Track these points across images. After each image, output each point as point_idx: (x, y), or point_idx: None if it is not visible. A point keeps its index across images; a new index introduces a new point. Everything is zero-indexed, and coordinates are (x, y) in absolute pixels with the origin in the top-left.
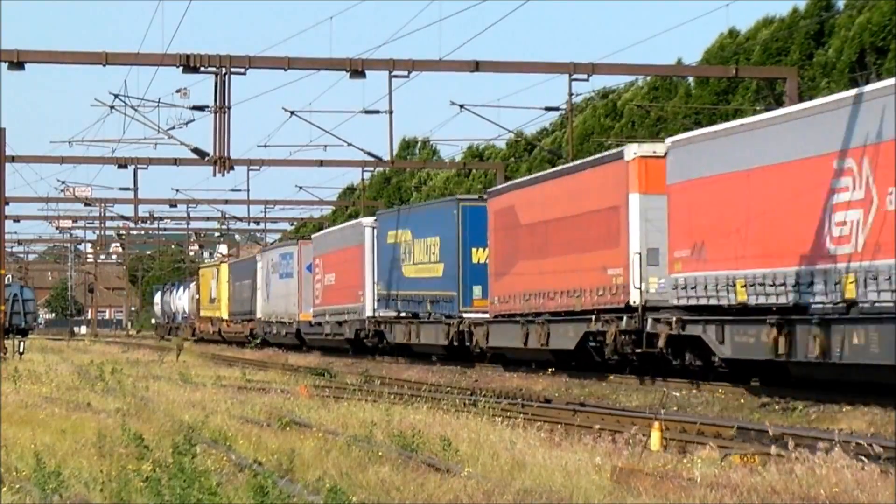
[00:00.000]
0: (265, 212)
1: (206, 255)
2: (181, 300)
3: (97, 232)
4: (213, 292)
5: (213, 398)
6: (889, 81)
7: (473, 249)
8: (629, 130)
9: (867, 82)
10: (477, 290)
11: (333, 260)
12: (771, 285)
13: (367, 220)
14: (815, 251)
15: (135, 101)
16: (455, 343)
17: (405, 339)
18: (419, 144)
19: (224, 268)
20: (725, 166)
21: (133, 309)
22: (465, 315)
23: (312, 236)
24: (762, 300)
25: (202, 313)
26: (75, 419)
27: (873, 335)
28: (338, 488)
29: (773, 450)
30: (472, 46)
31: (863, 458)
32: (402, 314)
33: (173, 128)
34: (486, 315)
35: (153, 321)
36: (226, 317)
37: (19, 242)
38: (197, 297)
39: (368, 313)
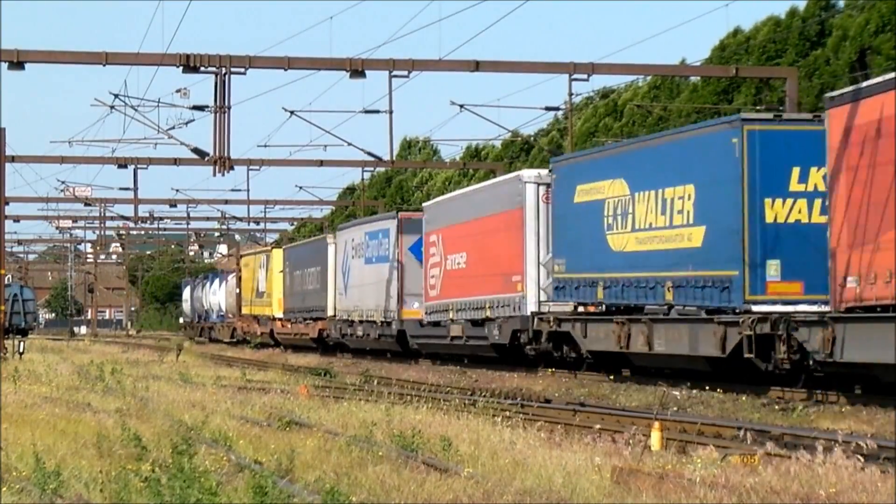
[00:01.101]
0: (265, 212)
1: (205, 254)
2: (216, 296)
3: (97, 232)
4: (260, 285)
5: (213, 398)
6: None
7: (768, 201)
8: (629, 130)
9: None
10: (772, 266)
11: (463, 234)
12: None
13: (529, 174)
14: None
15: (135, 101)
16: (735, 354)
17: (618, 346)
18: (420, 144)
19: (277, 254)
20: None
21: (133, 309)
22: (754, 307)
23: (424, 206)
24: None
25: (245, 310)
26: (75, 419)
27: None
28: (337, 489)
29: (773, 450)
30: (472, 46)
31: (862, 457)
32: (602, 307)
33: (173, 128)
34: (807, 307)
35: (181, 320)
36: (279, 314)
37: (19, 242)
38: (237, 291)
39: (531, 307)
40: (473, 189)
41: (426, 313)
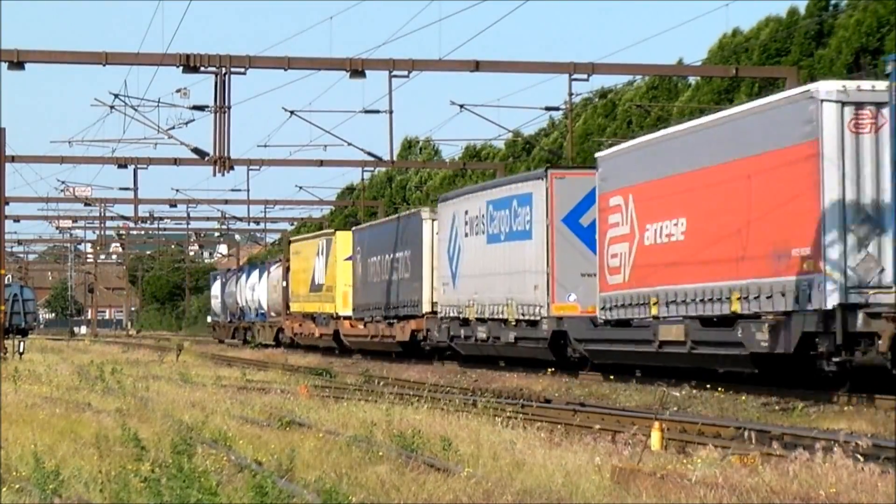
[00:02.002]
0: (265, 212)
1: (206, 254)
2: (255, 291)
3: (97, 232)
4: (317, 275)
5: (213, 398)
6: None
7: None
8: (625, 130)
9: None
10: None
11: (678, 191)
12: None
13: (827, 87)
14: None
15: (135, 101)
16: None
17: None
18: (420, 144)
19: (344, 238)
20: None
21: (133, 309)
22: None
23: (599, 156)
24: None
25: (295, 307)
26: (75, 419)
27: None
28: (337, 489)
29: (773, 450)
30: (472, 46)
31: (862, 457)
32: None
33: (173, 128)
34: None
35: (208, 319)
36: (345, 312)
37: (19, 242)
38: (284, 284)
39: (834, 297)
40: (699, 123)
41: (605, 308)
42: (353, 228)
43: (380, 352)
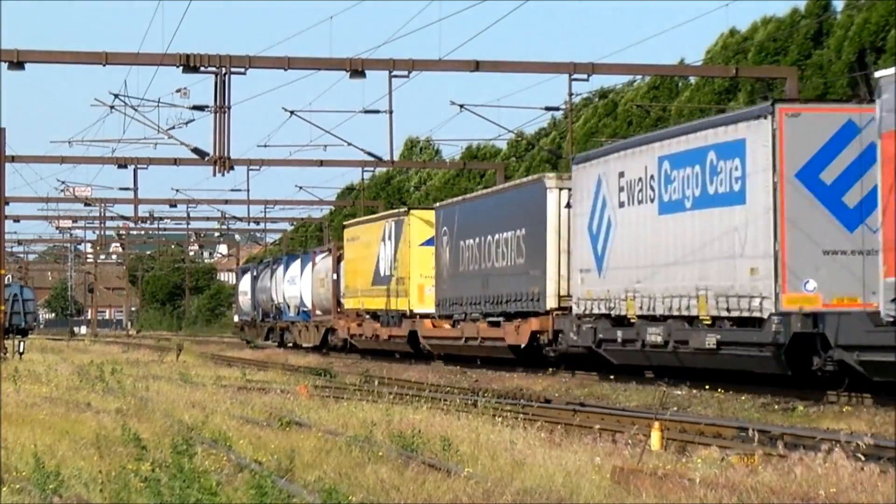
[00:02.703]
0: (265, 212)
1: (205, 254)
2: (296, 285)
3: (97, 232)
4: (383, 265)
5: (213, 398)
6: None
7: None
8: (625, 130)
9: (866, 82)
10: None
11: None
12: None
13: None
14: None
15: (135, 101)
16: None
17: None
18: (421, 144)
19: (422, 219)
20: None
21: (133, 309)
22: None
23: (879, 76)
24: None
25: (350, 304)
26: (75, 419)
27: None
28: (337, 489)
29: (773, 450)
30: (472, 46)
31: (862, 457)
32: None
33: (173, 128)
34: None
35: (235, 318)
36: (424, 309)
37: (19, 242)
38: (334, 277)
39: None
40: None
41: None
42: (438, 205)
43: (482, 359)
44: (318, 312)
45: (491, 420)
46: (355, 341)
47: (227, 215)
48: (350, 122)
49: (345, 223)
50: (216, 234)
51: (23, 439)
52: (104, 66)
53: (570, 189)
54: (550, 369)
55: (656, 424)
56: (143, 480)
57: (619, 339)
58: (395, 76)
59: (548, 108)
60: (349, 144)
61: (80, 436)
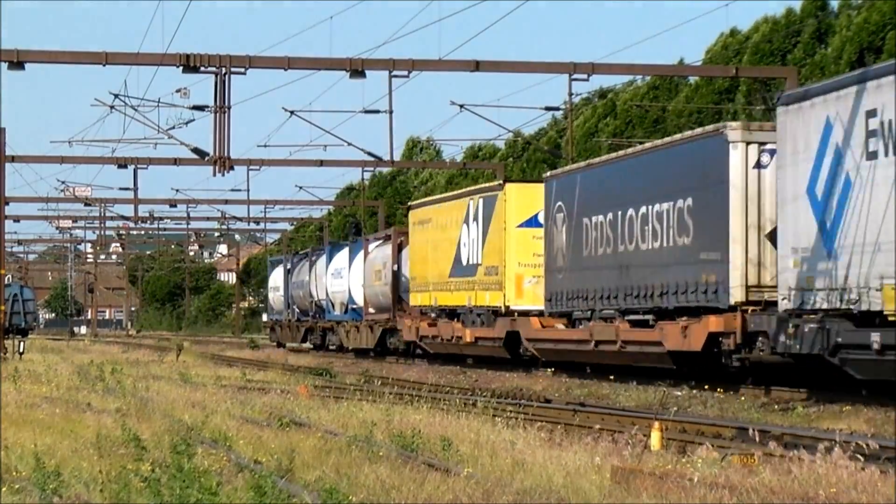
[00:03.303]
0: (265, 212)
1: (205, 254)
2: (342, 279)
3: (97, 232)
4: (466, 252)
5: (213, 398)
6: None
7: None
8: (626, 130)
9: None
10: None
11: None
12: None
13: None
14: None
15: (135, 101)
16: None
17: None
18: (422, 144)
19: (521, 193)
20: None
21: (133, 309)
22: None
23: None
24: None
25: (418, 300)
26: (75, 419)
27: None
28: (337, 489)
29: (773, 450)
30: (472, 46)
31: (862, 457)
32: None
33: (173, 128)
34: None
35: (264, 318)
36: (530, 305)
37: (19, 242)
38: (395, 268)
39: None
40: None
41: None
42: (549, 174)
43: (625, 369)
44: (371, 310)
45: (491, 420)
46: (426, 344)
47: (227, 215)
48: (350, 122)
49: (410, 203)
50: (216, 234)
51: (23, 439)
52: (104, 66)
53: (761, 143)
54: (550, 370)
55: (656, 424)
56: (143, 480)
57: (876, 345)
58: (395, 76)
59: (548, 108)
60: (349, 144)
61: (80, 436)
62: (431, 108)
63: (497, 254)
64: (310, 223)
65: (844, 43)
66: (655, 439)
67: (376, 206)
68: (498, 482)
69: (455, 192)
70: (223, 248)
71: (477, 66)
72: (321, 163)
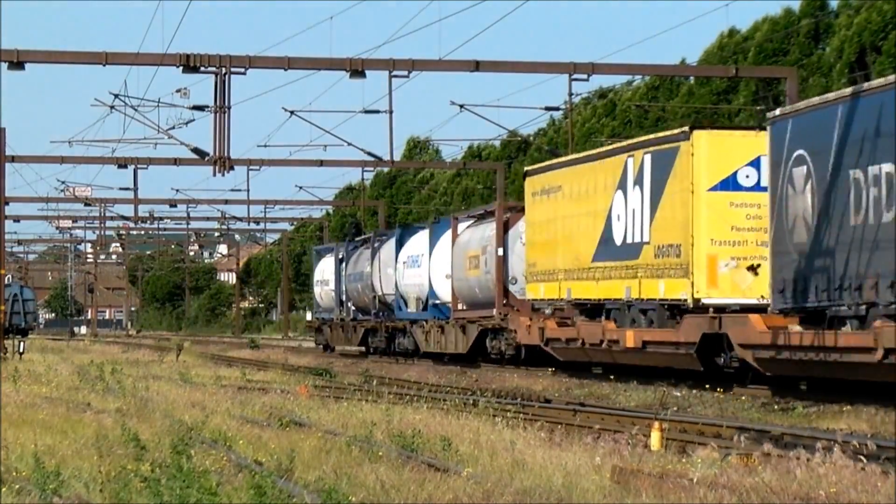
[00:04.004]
0: (265, 212)
1: (205, 254)
2: (420, 268)
3: (97, 232)
4: (621, 228)
5: (213, 398)
6: None
7: None
8: (626, 130)
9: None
10: None
11: None
12: None
13: None
14: None
15: (135, 101)
16: None
17: None
18: (421, 144)
19: (715, 145)
20: None
21: (133, 309)
22: None
23: None
24: None
25: (542, 291)
26: (75, 419)
27: None
28: (337, 489)
29: (773, 450)
30: (472, 46)
31: (862, 457)
32: None
33: (173, 128)
34: None
35: (308, 317)
36: (731, 299)
37: (19, 242)
38: (499, 252)
39: None
40: None
41: None
42: (777, 114)
43: None
44: (461, 306)
45: (491, 420)
46: (556, 350)
47: (227, 215)
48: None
49: (528, 169)
50: (216, 234)
51: (23, 439)
52: (104, 66)
53: None
54: (550, 369)
55: (656, 424)
56: (143, 480)
57: None
58: (395, 76)
59: (548, 108)
60: (349, 144)
61: (80, 436)
62: (431, 108)
63: (677, 228)
64: (310, 223)
65: (843, 43)
66: (655, 439)
67: (377, 206)
68: (498, 482)
69: (602, 150)
70: (223, 248)
71: (477, 66)
72: (321, 163)
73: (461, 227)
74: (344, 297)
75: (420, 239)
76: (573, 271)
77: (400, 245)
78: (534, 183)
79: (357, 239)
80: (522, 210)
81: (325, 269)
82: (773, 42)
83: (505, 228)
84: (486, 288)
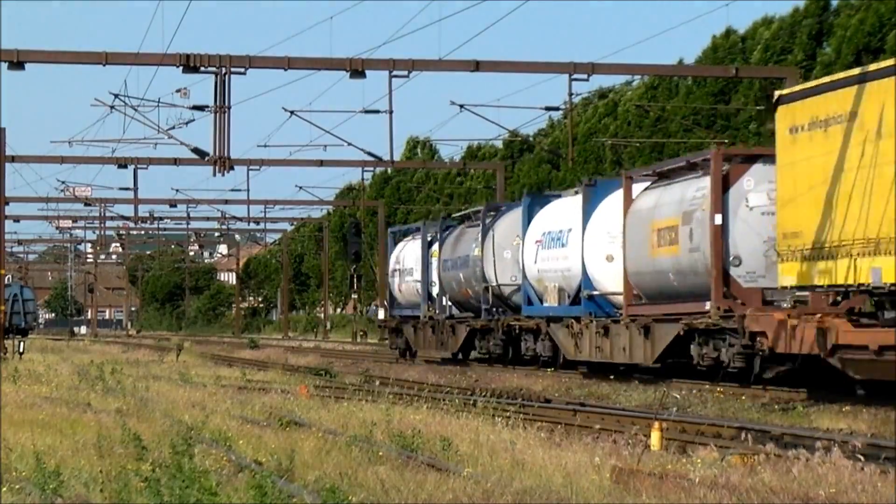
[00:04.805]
0: (265, 212)
1: (206, 254)
2: (561, 248)
3: (97, 232)
4: None
5: (213, 398)
6: None
7: None
8: (626, 130)
9: None
10: None
11: None
12: None
13: None
14: None
15: (135, 101)
16: None
17: None
18: (421, 144)
19: None
20: None
21: (133, 309)
22: None
23: None
24: None
25: (809, 273)
26: (75, 419)
27: None
28: (337, 489)
29: (773, 450)
30: (472, 46)
31: (862, 457)
32: None
33: (173, 128)
34: None
35: (381, 314)
36: None
37: (19, 242)
38: (717, 221)
39: None
40: None
41: None
42: None
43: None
44: (640, 299)
45: (491, 420)
46: (853, 364)
47: (227, 215)
48: (350, 122)
49: (782, 92)
50: (216, 234)
51: (23, 439)
52: (104, 66)
53: None
54: (550, 370)
55: (656, 424)
56: (143, 480)
57: None
58: (395, 76)
59: (548, 108)
60: (349, 144)
61: (80, 436)
62: (431, 108)
63: None
64: (310, 223)
65: (841, 43)
66: (655, 439)
67: (377, 206)
68: (498, 482)
69: None
70: (223, 248)
71: (477, 66)
72: (321, 163)
73: (638, 188)
74: (435, 290)
75: (563, 209)
76: (868, 243)
77: (529, 218)
78: (795, 113)
79: (454, 216)
80: (747, 160)
81: (405, 256)
82: (780, 40)
83: (724, 186)
84: (690, 272)
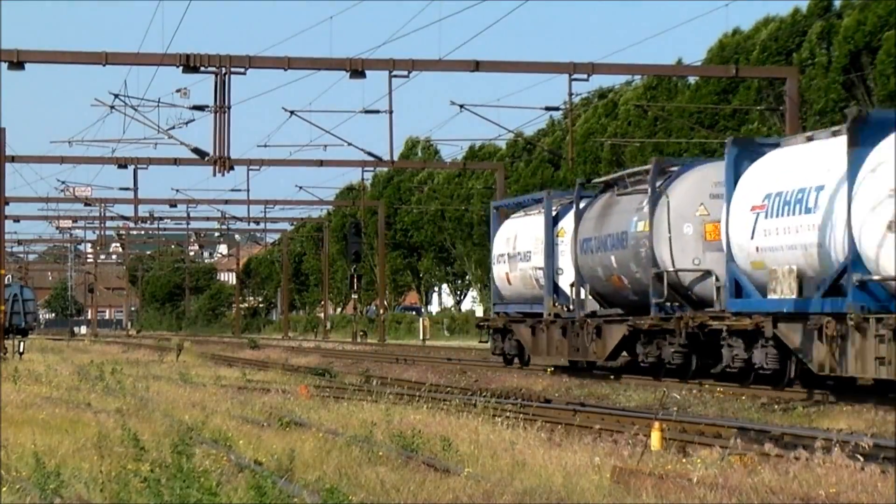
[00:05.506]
0: (265, 212)
1: (206, 254)
2: (801, 216)
3: (97, 232)
4: None
5: (213, 398)
6: None
7: None
8: (626, 130)
9: (863, 82)
10: None
11: None
12: None
13: None
14: None
15: (135, 101)
16: None
17: None
18: (421, 144)
19: None
20: None
21: (133, 309)
22: None
23: None
24: None
25: None
26: (75, 419)
27: None
28: (337, 489)
29: (773, 450)
30: (472, 46)
31: (862, 457)
32: None
33: (173, 128)
34: None
35: (479, 311)
36: None
37: (19, 242)
38: None
39: None
40: None
41: None
42: None
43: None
44: None
45: (491, 420)
46: None
47: (227, 215)
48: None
49: None
50: (216, 234)
51: (23, 439)
52: (104, 66)
53: None
54: (549, 370)
55: (656, 424)
56: (143, 480)
57: None
58: (395, 76)
59: (548, 108)
60: (349, 144)
61: (80, 436)
62: (431, 108)
63: None
64: (310, 223)
65: (840, 45)
66: (655, 439)
67: (377, 206)
68: (498, 482)
69: None
70: (223, 248)
71: (477, 66)
72: (321, 163)
73: None
74: (563, 280)
75: (801, 159)
76: None
77: (736, 176)
78: None
79: (596, 181)
80: None
81: (516, 236)
82: (780, 40)
83: None
84: None
